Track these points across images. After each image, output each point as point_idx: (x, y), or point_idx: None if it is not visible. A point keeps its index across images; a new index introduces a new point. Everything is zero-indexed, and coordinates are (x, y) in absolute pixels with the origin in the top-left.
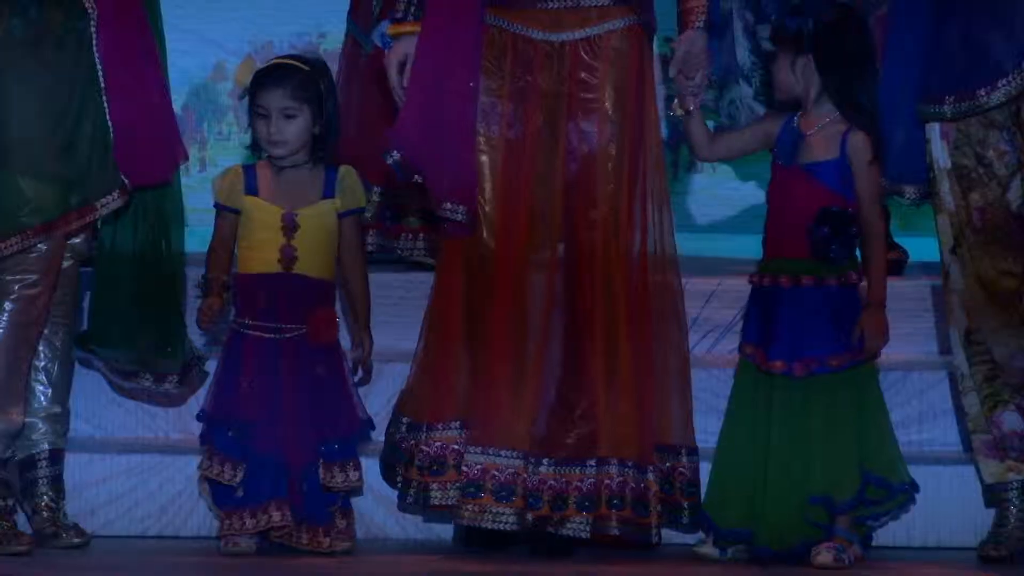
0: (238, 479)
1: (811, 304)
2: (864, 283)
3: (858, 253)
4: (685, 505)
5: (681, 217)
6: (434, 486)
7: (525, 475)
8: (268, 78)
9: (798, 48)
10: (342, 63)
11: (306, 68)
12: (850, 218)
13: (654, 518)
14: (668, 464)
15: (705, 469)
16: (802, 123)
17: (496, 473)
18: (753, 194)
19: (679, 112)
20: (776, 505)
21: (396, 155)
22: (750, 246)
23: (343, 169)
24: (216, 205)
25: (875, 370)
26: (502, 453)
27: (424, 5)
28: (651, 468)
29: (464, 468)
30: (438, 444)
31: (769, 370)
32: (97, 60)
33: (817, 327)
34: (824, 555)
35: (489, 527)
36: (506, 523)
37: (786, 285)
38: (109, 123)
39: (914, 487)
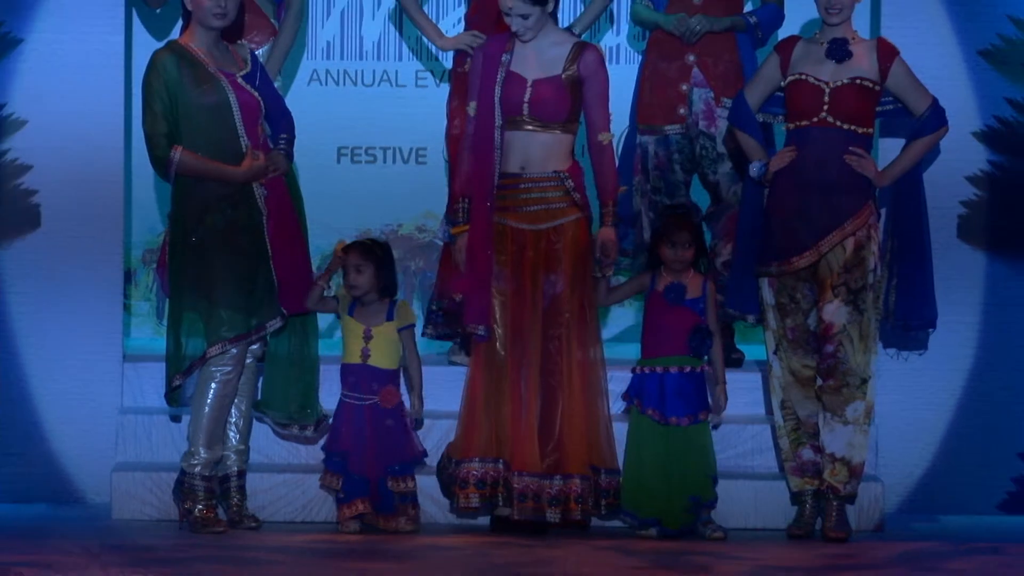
0: (338, 486)
1: (687, 383)
2: (710, 369)
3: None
4: (603, 503)
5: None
6: (461, 496)
7: (516, 483)
8: (349, 252)
9: (698, 240)
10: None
11: (368, 242)
12: (709, 332)
13: (590, 509)
14: (596, 476)
15: None
16: (679, 278)
17: (501, 483)
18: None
19: (598, 275)
20: (673, 504)
21: (459, 296)
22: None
23: (400, 302)
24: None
25: (708, 420)
26: (514, 472)
27: (468, 213)
28: (585, 477)
29: (483, 484)
30: (464, 470)
31: (667, 423)
32: (267, 240)
33: (691, 397)
34: (702, 530)
35: (499, 515)
36: (503, 512)
37: (674, 371)
38: (275, 277)
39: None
